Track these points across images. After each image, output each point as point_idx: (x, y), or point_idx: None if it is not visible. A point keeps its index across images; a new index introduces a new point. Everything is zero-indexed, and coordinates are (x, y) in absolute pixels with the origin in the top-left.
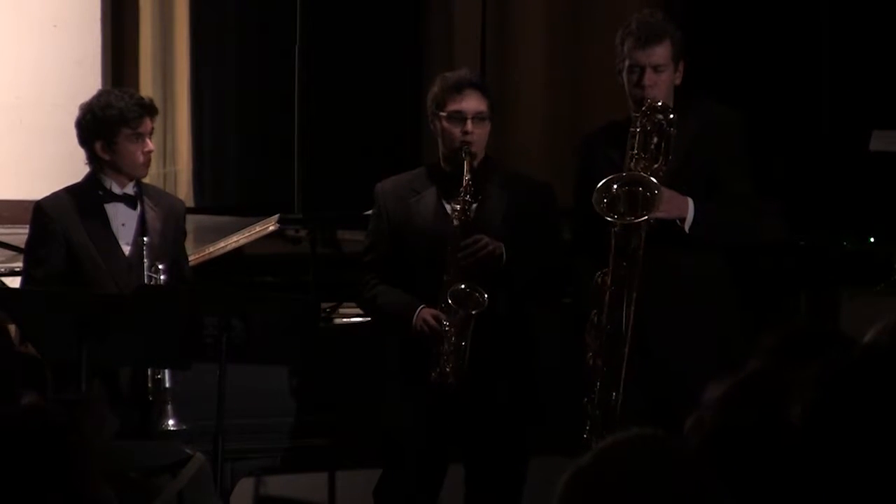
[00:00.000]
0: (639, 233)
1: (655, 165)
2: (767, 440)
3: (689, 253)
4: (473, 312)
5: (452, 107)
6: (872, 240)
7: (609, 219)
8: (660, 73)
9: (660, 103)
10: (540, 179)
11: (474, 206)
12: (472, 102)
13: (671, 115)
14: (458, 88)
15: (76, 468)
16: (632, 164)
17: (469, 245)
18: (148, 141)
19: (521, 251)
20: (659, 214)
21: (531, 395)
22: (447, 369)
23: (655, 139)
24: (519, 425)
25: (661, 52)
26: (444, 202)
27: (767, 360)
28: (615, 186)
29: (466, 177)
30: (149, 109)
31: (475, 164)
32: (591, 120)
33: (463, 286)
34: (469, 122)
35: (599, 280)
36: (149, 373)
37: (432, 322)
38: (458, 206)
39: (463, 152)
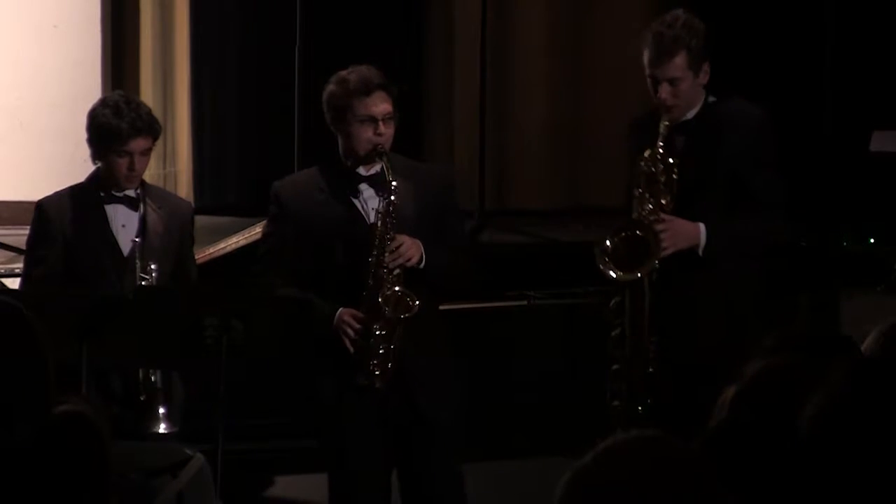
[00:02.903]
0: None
1: (663, 202)
2: (768, 441)
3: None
4: (403, 317)
5: (362, 111)
6: (872, 240)
7: (614, 275)
8: (676, 85)
9: (660, 153)
10: (440, 166)
11: (374, 206)
12: (381, 105)
13: (671, 161)
14: (366, 91)
15: (107, 471)
16: (639, 204)
17: (394, 250)
18: (136, 159)
19: (434, 242)
20: (670, 251)
21: (447, 398)
22: (375, 374)
23: (661, 179)
24: (441, 430)
25: (675, 65)
26: (354, 201)
27: (768, 361)
28: (608, 242)
29: (390, 178)
30: (141, 131)
31: (377, 163)
32: (591, 120)
33: (396, 289)
34: (381, 124)
35: (613, 306)
36: (140, 374)
37: (356, 325)
38: (381, 210)
39: (378, 155)
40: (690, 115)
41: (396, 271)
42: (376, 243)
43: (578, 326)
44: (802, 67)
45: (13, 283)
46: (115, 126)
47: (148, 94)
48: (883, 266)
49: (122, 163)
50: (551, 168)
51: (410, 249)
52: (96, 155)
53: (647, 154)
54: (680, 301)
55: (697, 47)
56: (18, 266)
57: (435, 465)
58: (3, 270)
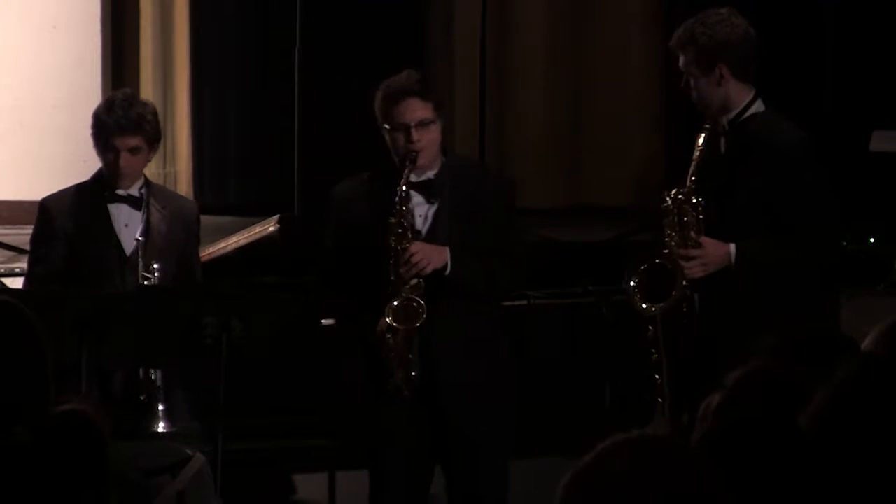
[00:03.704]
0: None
1: (692, 233)
2: (767, 440)
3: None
4: (415, 325)
5: (395, 118)
6: (872, 240)
7: (646, 307)
8: (693, 80)
9: (682, 195)
10: (499, 174)
11: (421, 213)
12: (413, 112)
13: (695, 199)
14: (396, 99)
15: (107, 471)
16: (669, 239)
17: (407, 261)
18: (122, 156)
19: (473, 248)
20: (700, 274)
21: (485, 403)
22: (399, 381)
23: (688, 217)
24: (484, 430)
25: (684, 62)
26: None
27: (768, 361)
28: (632, 282)
29: (402, 188)
30: (125, 129)
31: (430, 168)
32: (591, 119)
33: (397, 302)
34: (413, 131)
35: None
36: (140, 373)
37: (387, 334)
38: (392, 219)
39: (408, 160)
40: (727, 118)
41: (413, 281)
42: (391, 253)
43: (578, 326)
44: (802, 67)
45: (13, 283)
46: (103, 122)
47: (148, 94)
48: (883, 266)
49: (109, 158)
50: (551, 168)
51: (425, 258)
52: (97, 151)
53: (673, 192)
54: (715, 303)
55: (704, 46)
56: (18, 266)
57: (472, 469)
58: (3, 270)
